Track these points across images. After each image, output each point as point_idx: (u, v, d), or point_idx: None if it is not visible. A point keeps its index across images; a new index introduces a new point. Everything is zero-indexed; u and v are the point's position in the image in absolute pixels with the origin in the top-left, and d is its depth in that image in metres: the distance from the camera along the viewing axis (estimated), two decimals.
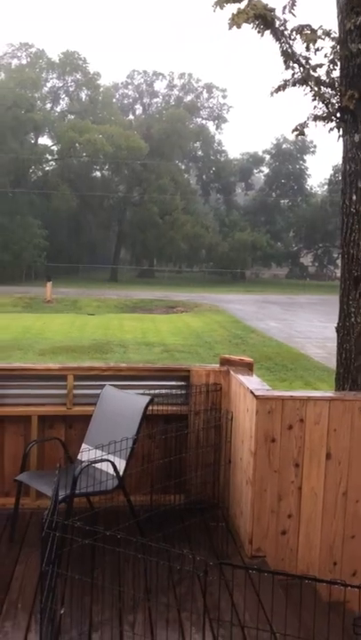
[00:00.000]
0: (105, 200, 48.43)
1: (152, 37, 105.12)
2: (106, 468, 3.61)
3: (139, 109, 56.98)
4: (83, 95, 51.35)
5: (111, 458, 3.53)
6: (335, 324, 4.95)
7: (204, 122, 56.74)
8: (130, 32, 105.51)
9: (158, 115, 53.49)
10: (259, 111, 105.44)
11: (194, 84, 56.14)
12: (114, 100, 53.04)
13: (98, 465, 3.61)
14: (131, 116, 54.88)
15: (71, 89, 51.21)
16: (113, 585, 3.10)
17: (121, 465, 3.60)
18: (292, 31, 4.86)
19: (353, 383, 4.69)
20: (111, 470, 3.57)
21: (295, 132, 5.19)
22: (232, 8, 4.73)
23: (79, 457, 3.92)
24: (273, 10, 4.81)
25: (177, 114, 50.18)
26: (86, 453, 3.78)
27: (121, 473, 3.59)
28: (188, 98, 55.79)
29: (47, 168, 49.10)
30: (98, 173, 50.66)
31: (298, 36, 4.86)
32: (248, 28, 4.89)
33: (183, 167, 55.87)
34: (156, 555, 2.80)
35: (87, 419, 4.07)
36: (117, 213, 49.58)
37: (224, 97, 56.52)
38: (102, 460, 3.52)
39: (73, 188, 45.18)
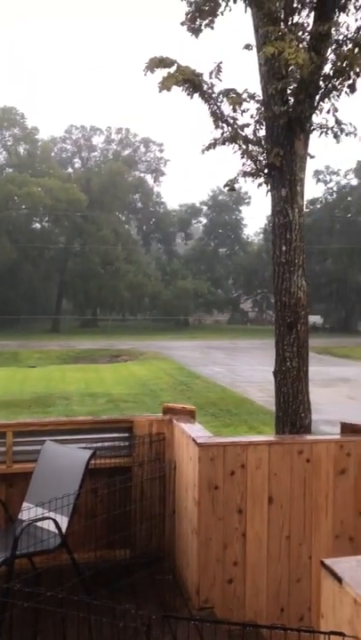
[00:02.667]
0: (45, 251, 48.32)
1: (89, 94, 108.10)
2: (47, 526, 3.52)
3: (77, 163, 57.82)
4: (21, 149, 51.77)
5: (53, 515, 3.45)
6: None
7: (142, 175, 58.13)
8: (67, 88, 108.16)
9: (97, 168, 54.45)
10: (195, 164, 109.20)
11: (131, 139, 57.73)
12: (52, 154, 53.67)
13: (40, 523, 3.52)
14: (70, 169, 55.56)
15: (9, 143, 51.56)
16: None
17: (63, 522, 3.52)
18: (219, 94, 5.18)
19: (292, 426, 4.82)
20: (53, 528, 3.48)
21: (227, 187, 5.46)
22: (163, 72, 5.02)
23: (20, 516, 3.81)
24: (200, 75, 5.12)
25: (115, 167, 51.25)
26: (27, 512, 3.68)
27: (64, 530, 3.51)
28: (126, 152, 57.21)
29: None
30: (38, 225, 50.66)
31: (225, 99, 5.18)
32: (179, 90, 5.18)
33: (124, 218, 56.70)
34: (101, 613, 2.73)
35: (28, 476, 3.97)
36: (58, 264, 49.46)
37: (161, 151, 58.30)
38: (43, 519, 3.44)
39: (12, 240, 44.90)
